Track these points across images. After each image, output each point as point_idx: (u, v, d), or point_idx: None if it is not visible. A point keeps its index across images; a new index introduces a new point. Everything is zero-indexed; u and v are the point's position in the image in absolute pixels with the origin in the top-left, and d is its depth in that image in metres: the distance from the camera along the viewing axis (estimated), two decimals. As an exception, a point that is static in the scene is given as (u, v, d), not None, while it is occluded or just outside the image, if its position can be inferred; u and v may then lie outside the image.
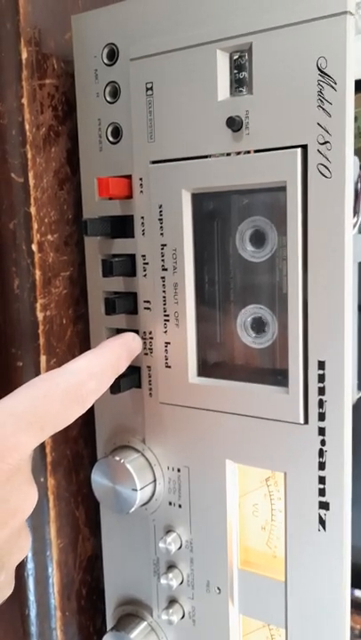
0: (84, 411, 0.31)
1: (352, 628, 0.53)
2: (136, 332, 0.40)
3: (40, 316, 0.41)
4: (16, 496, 0.27)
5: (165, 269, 0.37)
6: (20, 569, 0.43)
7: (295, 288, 0.33)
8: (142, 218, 0.38)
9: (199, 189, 0.36)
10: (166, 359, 0.38)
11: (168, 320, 0.38)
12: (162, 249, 0.37)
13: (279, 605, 0.36)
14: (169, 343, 0.38)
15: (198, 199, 0.37)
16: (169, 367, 0.38)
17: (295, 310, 0.33)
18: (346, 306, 0.32)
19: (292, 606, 0.36)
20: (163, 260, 0.37)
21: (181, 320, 0.37)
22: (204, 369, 0.38)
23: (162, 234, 0.37)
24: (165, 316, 0.38)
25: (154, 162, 0.37)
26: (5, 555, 0.27)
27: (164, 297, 0.38)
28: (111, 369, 0.34)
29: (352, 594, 0.54)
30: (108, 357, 0.35)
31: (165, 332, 0.38)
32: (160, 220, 0.37)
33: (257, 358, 0.38)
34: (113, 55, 0.38)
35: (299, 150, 0.31)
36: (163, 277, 0.37)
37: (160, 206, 0.37)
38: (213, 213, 0.38)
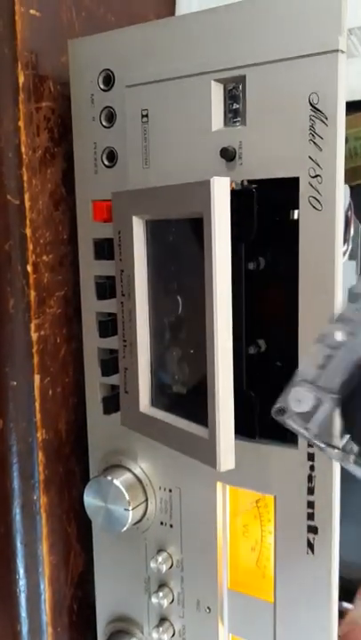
0: None
1: None
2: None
3: (34, 336, 0.42)
4: None
5: (123, 295, 0.37)
6: (12, 585, 0.43)
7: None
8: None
9: (152, 218, 0.36)
10: (125, 384, 0.38)
11: (125, 345, 0.38)
12: (120, 274, 0.37)
13: (268, 626, 0.37)
14: (127, 369, 0.38)
15: (158, 227, 0.36)
16: (127, 392, 0.38)
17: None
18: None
19: (280, 627, 0.36)
20: (121, 286, 0.37)
21: (134, 347, 0.37)
22: (162, 398, 0.38)
23: (120, 259, 0.37)
24: (124, 341, 0.38)
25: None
26: None
27: (123, 322, 0.38)
28: None
29: (340, 606, 0.55)
30: None
31: (124, 357, 0.38)
32: (119, 245, 0.37)
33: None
34: (109, 81, 0.39)
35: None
36: (122, 303, 0.38)
37: (119, 232, 0.37)
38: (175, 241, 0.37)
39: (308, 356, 0.27)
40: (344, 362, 0.26)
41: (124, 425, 0.39)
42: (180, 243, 0.36)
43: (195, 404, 0.34)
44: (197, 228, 0.31)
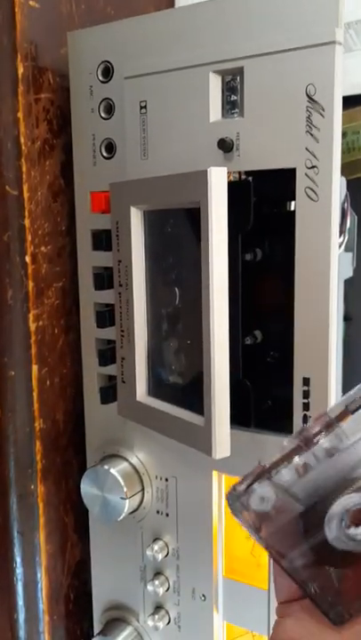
0: None
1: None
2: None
3: (32, 326, 0.42)
4: None
5: (121, 285, 0.38)
6: (9, 574, 0.44)
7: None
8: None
9: (150, 208, 0.36)
10: (122, 374, 0.39)
11: (123, 335, 0.38)
12: (118, 264, 0.38)
13: (262, 613, 0.37)
14: (124, 359, 0.38)
15: (157, 217, 0.36)
16: (124, 382, 0.39)
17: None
18: (331, 324, 0.33)
19: (275, 614, 0.37)
20: (119, 276, 0.38)
21: (131, 337, 0.37)
22: (159, 387, 0.38)
23: (118, 250, 0.38)
24: (121, 331, 0.38)
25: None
26: None
27: (120, 312, 0.38)
28: None
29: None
30: None
31: (121, 347, 0.38)
32: (117, 236, 0.38)
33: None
34: (108, 72, 0.39)
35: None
36: (120, 293, 0.38)
37: (117, 223, 0.37)
38: (173, 232, 0.37)
39: (284, 451, 0.26)
40: (322, 475, 0.25)
41: (121, 414, 0.39)
42: (177, 234, 0.36)
43: (191, 393, 0.34)
44: (195, 218, 0.31)
